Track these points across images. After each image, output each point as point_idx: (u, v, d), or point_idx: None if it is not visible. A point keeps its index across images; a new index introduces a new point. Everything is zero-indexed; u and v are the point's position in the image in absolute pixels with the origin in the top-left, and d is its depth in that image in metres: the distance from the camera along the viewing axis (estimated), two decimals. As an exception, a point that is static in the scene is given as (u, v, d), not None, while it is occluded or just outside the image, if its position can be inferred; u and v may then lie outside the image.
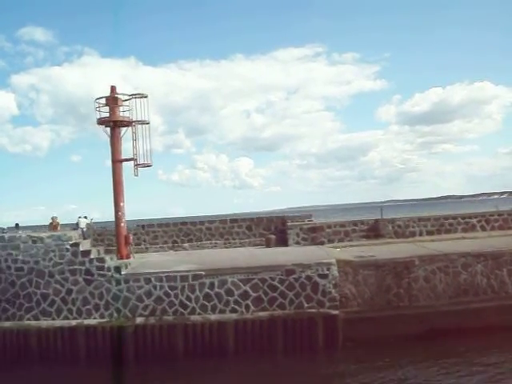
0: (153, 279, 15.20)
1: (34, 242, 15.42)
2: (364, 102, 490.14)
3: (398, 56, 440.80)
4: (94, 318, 15.28)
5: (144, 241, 22.28)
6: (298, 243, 20.60)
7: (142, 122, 19.08)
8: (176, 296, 15.13)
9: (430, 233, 21.08)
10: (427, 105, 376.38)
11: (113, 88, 19.06)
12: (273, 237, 21.09)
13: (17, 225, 20.69)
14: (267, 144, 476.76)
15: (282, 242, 20.88)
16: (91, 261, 15.38)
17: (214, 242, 22.01)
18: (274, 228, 22.10)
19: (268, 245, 20.80)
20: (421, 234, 21.03)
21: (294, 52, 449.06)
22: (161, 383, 13.79)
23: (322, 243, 20.39)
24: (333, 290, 15.06)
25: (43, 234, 15.65)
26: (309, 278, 15.07)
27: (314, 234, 20.79)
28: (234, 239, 22.05)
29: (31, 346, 15.09)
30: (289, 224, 21.19)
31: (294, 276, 15.11)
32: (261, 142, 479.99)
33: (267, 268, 15.31)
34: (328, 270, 15.16)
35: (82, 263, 15.36)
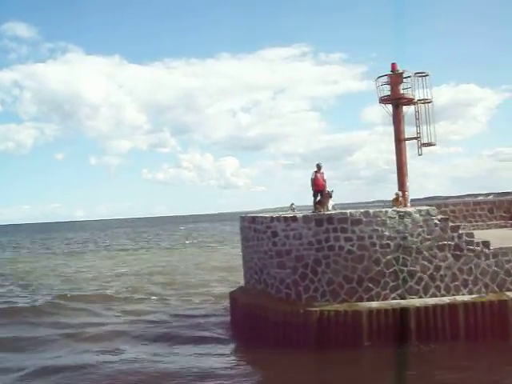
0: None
1: (401, 217, 14.74)
2: (350, 102, 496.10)
3: (385, 56, 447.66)
4: (463, 295, 14.72)
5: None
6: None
7: (425, 101, 18.62)
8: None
9: None
10: (413, 106, 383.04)
11: (394, 65, 18.57)
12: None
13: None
14: (253, 143, 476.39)
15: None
16: (460, 236, 14.81)
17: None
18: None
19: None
20: None
21: (281, 51, 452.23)
22: None
23: None
24: None
25: (411, 209, 14.98)
26: None
27: None
28: (476, 222, 21.73)
29: (403, 325, 14.37)
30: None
31: None
32: (246, 142, 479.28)
33: None
34: None
35: (451, 238, 14.77)
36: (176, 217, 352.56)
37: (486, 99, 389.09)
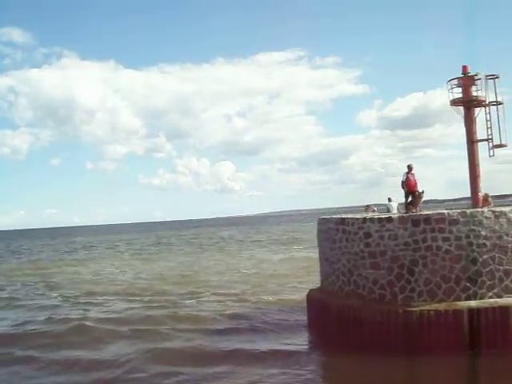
0: None
1: (497, 216, 14.93)
2: (345, 106, 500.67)
3: (380, 60, 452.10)
4: (557, 294, 14.89)
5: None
6: None
7: (497, 103, 18.86)
8: None
9: None
10: (408, 109, 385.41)
11: (465, 68, 18.82)
12: None
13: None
14: (249, 148, 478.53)
15: None
16: (554, 234, 15.01)
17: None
18: None
19: None
20: None
21: (276, 56, 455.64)
22: None
23: None
24: None
25: (506, 209, 15.17)
26: None
27: None
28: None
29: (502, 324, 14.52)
30: None
31: None
32: (242, 146, 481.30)
33: None
34: None
35: (547, 236, 14.97)
36: (177, 222, 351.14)
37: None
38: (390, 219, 15.17)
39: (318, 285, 19.15)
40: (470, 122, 18.76)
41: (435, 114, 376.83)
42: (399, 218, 15.12)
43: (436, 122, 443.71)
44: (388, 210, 20.83)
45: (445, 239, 14.69)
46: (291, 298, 23.46)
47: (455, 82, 18.80)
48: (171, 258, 50.86)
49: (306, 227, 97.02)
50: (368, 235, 15.46)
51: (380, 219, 15.32)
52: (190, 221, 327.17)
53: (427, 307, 14.56)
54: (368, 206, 20.71)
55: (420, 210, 15.65)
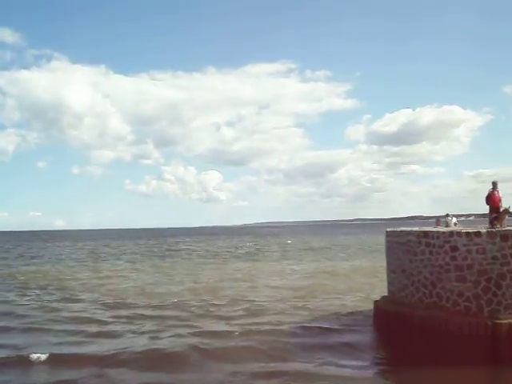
0: None
1: None
2: (334, 120, 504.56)
3: (370, 76, 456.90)
4: None
5: None
6: None
7: None
8: None
9: None
10: (396, 125, 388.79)
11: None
12: None
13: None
14: (236, 158, 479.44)
15: None
16: None
17: None
18: None
19: None
20: None
21: (267, 67, 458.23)
22: None
23: None
24: None
25: None
26: None
27: None
28: None
29: None
30: None
31: None
32: (230, 156, 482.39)
33: None
34: None
35: None
36: (163, 229, 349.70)
37: (468, 120, 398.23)
38: (478, 233, 15.62)
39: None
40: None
41: (423, 131, 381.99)
42: (488, 232, 15.58)
43: (423, 139, 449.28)
44: (447, 225, 21.44)
45: (532, 254, 15.16)
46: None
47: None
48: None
49: (305, 238, 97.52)
50: (455, 249, 15.90)
51: (468, 233, 15.76)
52: (173, 229, 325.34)
53: (516, 320, 14.97)
54: (438, 219, 21.26)
55: (504, 226, 16.13)
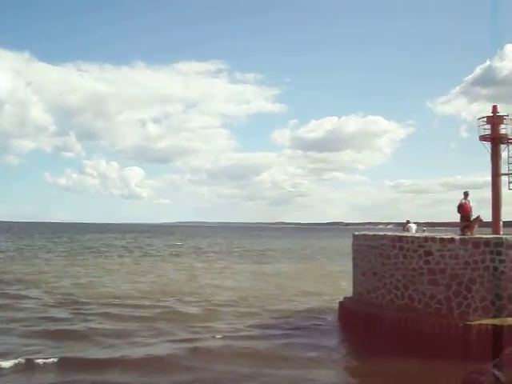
0: None
1: (544, 243, 16.70)
2: (261, 123, 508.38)
3: (299, 82, 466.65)
4: None
5: None
6: None
7: (521, 141, 21.00)
8: None
9: None
10: (321, 132, 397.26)
11: (495, 107, 20.87)
12: None
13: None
14: (160, 155, 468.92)
15: None
16: None
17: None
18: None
19: None
20: None
21: (196, 66, 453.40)
22: None
23: None
24: None
25: None
26: None
27: None
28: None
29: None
30: None
31: None
32: (154, 153, 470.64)
33: None
34: None
35: None
36: (77, 224, 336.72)
37: (391, 131, 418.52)
38: (451, 240, 16.49)
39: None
40: (495, 157, 20.71)
41: (347, 139, 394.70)
42: (461, 239, 16.48)
43: (347, 147, 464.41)
44: (407, 231, 22.42)
45: (501, 261, 16.22)
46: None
47: (484, 119, 20.72)
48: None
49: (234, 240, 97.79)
50: (429, 253, 16.66)
51: (442, 239, 16.60)
52: (92, 224, 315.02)
53: (483, 322, 15.93)
54: (405, 225, 22.17)
55: (474, 234, 17.14)
